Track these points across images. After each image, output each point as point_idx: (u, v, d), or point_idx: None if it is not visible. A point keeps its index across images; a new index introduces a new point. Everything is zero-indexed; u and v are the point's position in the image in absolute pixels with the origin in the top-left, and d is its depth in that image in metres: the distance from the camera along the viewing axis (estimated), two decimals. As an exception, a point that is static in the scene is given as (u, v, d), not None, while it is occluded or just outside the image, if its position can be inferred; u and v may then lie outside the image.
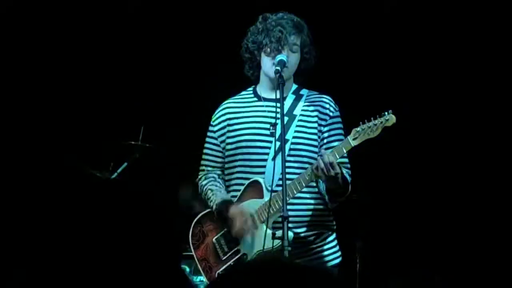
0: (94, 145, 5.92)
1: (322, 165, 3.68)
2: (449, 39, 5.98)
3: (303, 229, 3.89)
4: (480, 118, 6.01)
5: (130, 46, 6.22)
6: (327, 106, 4.00)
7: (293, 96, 4.02)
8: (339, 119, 4.01)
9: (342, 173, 3.76)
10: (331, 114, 3.99)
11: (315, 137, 3.95)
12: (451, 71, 6.03)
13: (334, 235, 4.01)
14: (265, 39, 3.93)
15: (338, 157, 3.76)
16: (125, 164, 5.59)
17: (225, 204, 3.93)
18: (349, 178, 3.90)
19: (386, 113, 3.74)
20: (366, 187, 5.44)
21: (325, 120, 3.97)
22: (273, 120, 3.86)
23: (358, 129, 3.75)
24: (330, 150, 3.79)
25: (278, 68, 3.85)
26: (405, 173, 6.00)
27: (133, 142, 5.63)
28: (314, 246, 3.92)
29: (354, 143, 3.75)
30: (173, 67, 6.25)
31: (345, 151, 3.77)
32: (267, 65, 3.94)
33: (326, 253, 3.95)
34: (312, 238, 3.91)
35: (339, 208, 4.00)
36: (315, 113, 3.97)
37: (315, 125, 3.95)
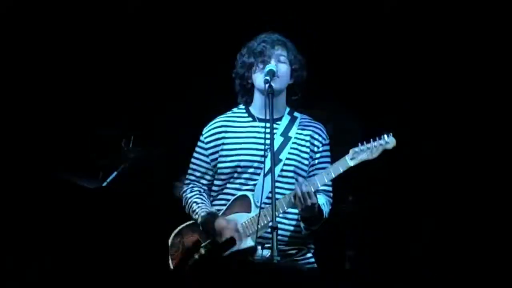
0: (82, 154, 5.90)
1: (299, 194, 3.74)
2: (448, 42, 5.98)
3: (283, 247, 3.90)
4: (474, 122, 6.02)
5: (119, 54, 6.20)
6: (320, 133, 4.06)
7: (289, 117, 4.06)
8: (328, 147, 4.06)
9: (318, 203, 3.80)
10: (323, 141, 4.04)
11: (306, 162, 4.00)
12: (450, 73, 6.03)
13: (311, 253, 4.05)
14: (250, 58, 3.98)
15: (334, 176, 3.80)
16: (115, 173, 5.57)
17: (211, 216, 3.94)
18: (327, 208, 3.95)
19: (385, 135, 3.77)
20: (355, 197, 5.46)
21: (318, 147, 4.02)
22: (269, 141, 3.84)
23: (357, 149, 3.79)
24: (325, 170, 3.85)
25: (268, 78, 3.87)
26: (394, 180, 6.00)
27: (124, 148, 5.62)
28: (294, 260, 3.97)
29: (351, 163, 3.79)
30: (162, 71, 6.23)
31: (341, 171, 3.80)
32: (258, 79, 3.96)
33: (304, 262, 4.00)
34: (291, 253, 3.96)
35: (329, 218, 4.02)
36: (309, 138, 4.02)
37: (308, 149, 4.00)
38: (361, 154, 3.76)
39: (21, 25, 6.00)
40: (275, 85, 3.88)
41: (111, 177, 5.55)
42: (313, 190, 3.77)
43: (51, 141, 6.07)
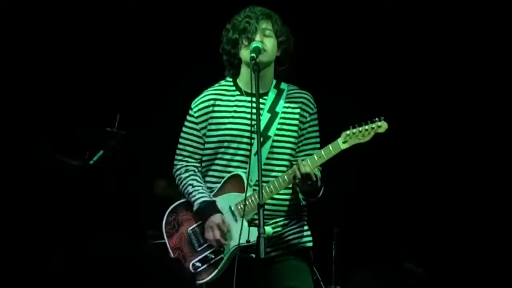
0: (69, 133, 5.90)
1: (298, 175, 3.76)
2: (442, 36, 6.02)
3: (280, 219, 3.95)
4: (462, 117, 6.08)
5: (107, 35, 6.19)
6: (308, 103, 4.04)
7: (275, 91, 4.04)
8: (316, 116, 4.05)
9: (317, 178, 3.82)
10: (310, 111, 4.03)
11: (296, 134, 4.00)
12: (441, 73, 6.08)
13: (305, 223, 4.07)
14: (234, 34, 3.97)
15: (326, 158, 3.81)
16: (101, 152, 5.56)
17: (208, 208, 3.92)
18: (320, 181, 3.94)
19: (377, 119, 3.78)
20: (341, 176, 5.48)
21: (305, 117, 4.01)
22: (254, 117, 3.80)
23: (349, 132, 3.79)
24: (317, 152, 3.84)
25: (253, 55, 3.87)
26: (380, 162, 6.03)
27: (108, 129, 5.61)
28: (289, 232, 3.99)
29: (343, 146, 3.80)
30: (148, 55, 6.22)
31: (334, 153, 3.81)
32: (244, 55, 3.96)
33: (299, 236, 4.02)
34: (287, 225, 3.98)
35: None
36: (297, 110, 4.01)
37: (297, 122, 4.00)
38: (353, 137, 3.77)
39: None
40: (262, 58, 3.88)
41: (97, 156, 5.55)
42: (311, 169, 3.78)
43: (37, 119, 6.07)
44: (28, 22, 6.07)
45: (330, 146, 3.81)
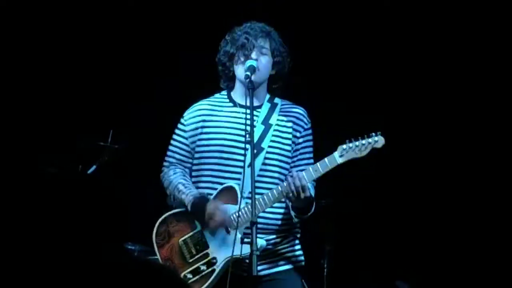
0: (62, 147, 5.88)
1: (293, 187, 3.75)
2: (437, 38, 6.02)
3: (273, 236, 3.95)
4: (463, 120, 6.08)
5: (96, 47, 6.17)
6: (302, 117, 4.06)
7: (268, 105, 4.07)
8: (311, 131, 4.07)
9: (310, 194, 3.82)
10: (305, 126, 4.05)
11: (289, 148, 4.00)
12: (437, 71, 6.08)
13: (298, 242, 4.07)
14: (232, 48, 4.00)
15: (322, 172, 3.81)
16: (94, 166, 5.55)
17: (203, 199, 3.92)
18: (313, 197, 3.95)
19: (374, 134, 3.77)
20: (335, 192, 5.48)
21: (300, 132, 4.03)
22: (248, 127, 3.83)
23: (345, 146, 3.79)
24: (313, 166, 3.84)
25: (248, 73, 3.90)
26: (374, 178, 6.03)
27: (102, 143, 5.61)
28: (281, 250, 3.99)
29: (340, 161, 3.80)
30: (138, 67, 6.21)
31: (330, 167, 3.80)
32: (239, 72, 3.99)
33: (291, 254, 4.02)
34: (279, 243, 3.98)
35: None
36: (290, 124, 4.03)
37: (290, 136, 4.01)
38: (349, 151, 3.76)
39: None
40: (255, 78, 3.91)
41: (90, 170, 5.54)
42: (307, 182, 3.77)
43: (29, 131, 6.05)
44: (18, 31, 6.06)
45: (326, 160, 3.81)
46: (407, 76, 6.09)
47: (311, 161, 4.01)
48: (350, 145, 3.77)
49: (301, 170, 3.89)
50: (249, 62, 3.91)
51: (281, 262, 3.97)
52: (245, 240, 3.69)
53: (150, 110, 6.12)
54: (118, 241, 5.55)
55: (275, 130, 4.00)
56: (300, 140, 4.02)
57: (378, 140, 3.76)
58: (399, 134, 5.90)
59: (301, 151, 4.02)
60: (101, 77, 6.17)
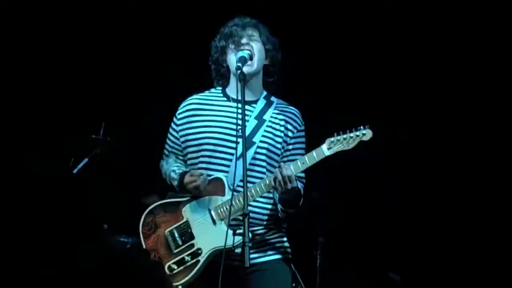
0: (54, 140, 5.88)
1: (280, 177, 3.75)
2: (442, 49, 6.05)
3: (259, 227, 3.96)
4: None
5: (91, 40, 6.18)
6: (295, 118, 4.08)
7: (264, 101, 4.08)
8: (304, 133, 4.08)
9: (297, 187, 3.83)
10: (298, 127, 4.06)
11: (279, 145, 4.02)
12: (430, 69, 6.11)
13: (284, 234, 4.08)
14: (221, 41, 4.02)
15: (309, 164, 3.81)
16: (86, 159, 5.55)
17: (182, 176, 3.96)
18: (301, 192, 3.96)
19: (362, 127, 3.78)
20: (327, 185, 5.51)
21: (292, 132, 4.04)
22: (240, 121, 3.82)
23: (333, 139, 3.80)
24: (301, 158, 3.84)
25: (239, 64, 3.89)
26: (366, 170, 6.05)
27: (93, 136, 5.61)
28: (269, 240, 4.01)
29: (327, 153, 3.80)
30: (133, 61, 6.21)
31: (317, 160, 3.81)
32: (231, 60, 3.99)
33: (279, 245, 4.04)
34: (266, 233, 4.00)
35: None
36: (283, 123, 4.04)
37: (282, 134, 4.02)
38: (337, 144, 3.78)
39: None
40: (247, 69, 3.89)
41: (81, 164, 5.53)
42: (293, 173, 3.78)
43: (22, 126, 6.05)
44: (13, 29, 6.06)
45: (314, 152, 3.82)
46: (402, 74, 6.12)
47: None
48: (338, 137, 3.78)
49: None
50: (240, 53, 3.92)
51: (269, 252, 3.99)
52: (237, 231, 3.72)
53: (148, 106, 6.13)
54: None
55: (267, 126, 4.01)
56: (292, 140, 4.04)
57: (366, 133, 3.77)
58: (391, 127, 5.96)
59: (292, 152, 4.03)
60: (98, 74, 6.18)
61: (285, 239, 4.08)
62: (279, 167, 3.79)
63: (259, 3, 5.40)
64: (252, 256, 3.78)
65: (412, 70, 6.11)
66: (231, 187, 3.84)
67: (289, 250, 4.09)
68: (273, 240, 4.01)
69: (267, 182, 3.84)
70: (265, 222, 3.98)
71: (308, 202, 4.12)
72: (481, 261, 6.00)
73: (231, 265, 3.80)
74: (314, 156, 3.81)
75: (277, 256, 4.01)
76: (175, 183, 4.03)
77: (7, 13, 6.01)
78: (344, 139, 3.78)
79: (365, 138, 3.78)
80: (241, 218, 3.68)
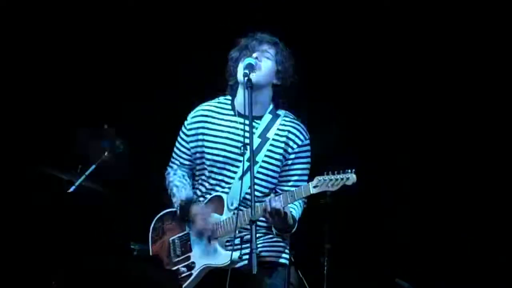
0: (61, 147, 5.89)
1: (268, 209, 3.79)
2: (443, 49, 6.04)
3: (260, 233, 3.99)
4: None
5: (91, 40, 6.18)
6: (298, 134, 4.06)
7: (270, 116, 4.06)
8: (307, 148, 4.08)
9: (287, 216, 3.85)
10: (300, 143, 4.05)
11: (279, 163, 4.02)
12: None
13: (281, 239, 4.09)
14: (236, 52, 4.02)
15: (296, 199, 3.85)
16: (93, 166, 5.55)
17: (187, 202, 3.98)
18: (300, 210, 4.01)
19: (348, 171, 3.79)
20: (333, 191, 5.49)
21: (292, 148, 4.03)
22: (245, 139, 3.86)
23: (320, 178, 3.81)
24: (289, 192, 3.85)
25: (246, 71, 3.86)
26: (371, 176, 6.04)
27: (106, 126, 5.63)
28: (265, 246, 4.03)
29: (313, 191, 3.83)
30: (134, 61, 6.21)
31: (304, 195, 3.84)
32: (239, 72, 3.95)
33: (275, 251, 4.08)
34: (262, 238, 4.03)
35: (308, 212, 4.10)
36: (284, 139, 4.03)
37: (282, 151, 4.02)
38: (324, 183, 3.80)
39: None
40: (254, 78, 3.86)
41: (89, 170, 5.53)
42: (282, 206, 3.80)
43: (30, 132, 6.06)
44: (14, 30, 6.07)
45: (302, 188, 3.84)
46: (399, 75, 6.11)
47: (305, 177, 4.05)
48: (325, 178, 3.80)
49: (293, 186, 3.95)
50: (247, 60, 3.89)
51: (265, 260, 3.98)
52: (245, 238, 3.75)
53: (150, 110, 6.13)
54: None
55: (270, 144, 4.00)
56: (292, 156, 4.03)
57: (349, 178, 3.77)
58: (397, 133, 5.96)
59: (292, 167, 4.03)
60: (101, 78, 6.18)
61: (282, 243, 4.09)
62: (269, 199, 3.82)
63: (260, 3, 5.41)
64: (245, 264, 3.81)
65: (412, 71, 6.10)
66: (230, 208, 3.90)
67: (286, 256, 4.11)
68: (269, 248, 4.04)
69: (258, 210, 3.83)
70: (263, 229, 4.02)
71: (315, 208, 4.12)
72: (484, 263, 5.99)
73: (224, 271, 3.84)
74: (302, 192, 3.82)
75: (273, 263, 4.04)
76: (173, 199, 4.06)
77: (9, 16, 6.01)
78: (330, 180, 3.79)
79: (348, 183, 3.79)
80: (232, 238, 3.79)
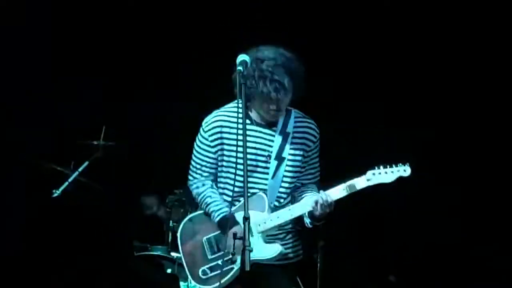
0: (56, 143, 5.89)
1: (325, 203, 3.98)
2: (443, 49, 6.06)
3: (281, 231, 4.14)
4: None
5: (96, 42, 6.19)
6: (313, 132, 4.19)
7: (284, 113, 4.14)
8: (319, 143, 4.21)
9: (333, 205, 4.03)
10: (314, 139, 4.19)
11: (302, 158, 4.15)
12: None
13: (297, 235, 4.25)
14: (258, 87, 3.97)
15: (350, 192, 4.02)
16: (86, 162, 5.56)
17: (227, 220, 4.04)
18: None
19: (401, 164, 4.03)
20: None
21: (309, 146, 4.17)
22: (268, 144, 4.09)
23: (374, 172, 4.03)
24: (343, 185, 4.03)
25: (240, 68, 3.88)
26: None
27: (95, 142, 5.64)
28: (286, 244, 4.17)
29: (367, 184, 4.01)
30: (133, 61, 6.22)
31: (357, 189, 4.03)
32: (265, 107, 4.02)
33: (295, 249, 4.22)
34: (280, 237, 4.17)
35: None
36: (305, 135, 4.16)
37: (304, 146, 4.15)
38: (378, 176, 4.02)
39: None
40: (275, 118, 4.05)
41: (82, 167, 5.54)
42: (333, 200, 4.00)
43: (29, 133, 6.06)
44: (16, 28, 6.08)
45: (355, 182, 4.03)
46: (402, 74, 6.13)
47: (319, 169, 4.22)
48: (379, 171, 4.03)
49: (313, 179, 4.18)
50: (241, 57, 3.91)
51: (287, 257, 4.15)
52: (238, 235, 3.77)
53: (150, 110, 6.14)
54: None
55: (293, 138, 4.14)
56: (310, 153, 4.18)
57: (406, 170, 4.02)
58: (395, 132, 5.98)
59: (310, 162, 4.19)
60: (101, 78, 6.19)
61: (298, 243, 4.24)
62: (323, 193, 4.00)
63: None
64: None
65: (412, 71, 6.12)
66: (271, 205, 4.06)
67: (301, 251, 4.26)
68: (290, 245, 4.18)
69: (309, 203, 4.01)
70: (290, 230, 4.18)
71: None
72: (484, 263, 6.01)
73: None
74: (355, 186, 4.02)
75: (291, 261, 4.18)
76: (207, 209, 4.15)
77: (14, 15, 6.02)
78: (385, 173, 4.02)
79: (405, 174, 4.03)
80: (276, 232, 4.03)
